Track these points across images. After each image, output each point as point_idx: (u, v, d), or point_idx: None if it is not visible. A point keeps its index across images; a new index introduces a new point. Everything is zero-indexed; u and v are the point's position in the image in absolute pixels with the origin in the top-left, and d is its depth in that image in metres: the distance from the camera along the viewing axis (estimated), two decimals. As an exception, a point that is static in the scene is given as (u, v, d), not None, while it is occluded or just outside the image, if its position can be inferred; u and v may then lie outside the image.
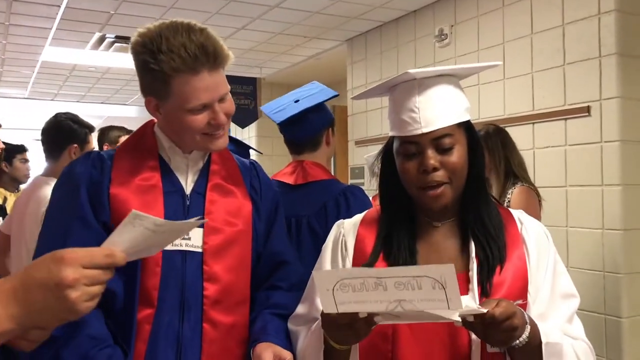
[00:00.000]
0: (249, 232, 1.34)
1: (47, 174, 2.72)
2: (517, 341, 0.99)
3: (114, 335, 1.21)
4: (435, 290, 0.89)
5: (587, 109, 3.21)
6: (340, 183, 2.00)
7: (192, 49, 1.19)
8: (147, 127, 1.37)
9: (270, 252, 1.40)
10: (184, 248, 1.27)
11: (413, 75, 1.15)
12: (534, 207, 2.57)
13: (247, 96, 6.40)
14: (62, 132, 2.73)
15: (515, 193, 2.57)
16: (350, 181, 5.32)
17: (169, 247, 1.24)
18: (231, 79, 6.37)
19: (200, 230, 1.28)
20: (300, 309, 1.29)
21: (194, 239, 1.28)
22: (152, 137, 1.35)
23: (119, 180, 1.27)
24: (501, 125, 3.77)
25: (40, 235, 1.28)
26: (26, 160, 4.13)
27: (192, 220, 1.04)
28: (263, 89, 6.57)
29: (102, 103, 8.33)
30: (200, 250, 1.27)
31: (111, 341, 1.20)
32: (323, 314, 1.02)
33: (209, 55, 1.21)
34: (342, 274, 0.94)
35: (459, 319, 0.94)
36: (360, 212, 1.82)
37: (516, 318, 0.97)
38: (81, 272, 0.81)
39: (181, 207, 1.30)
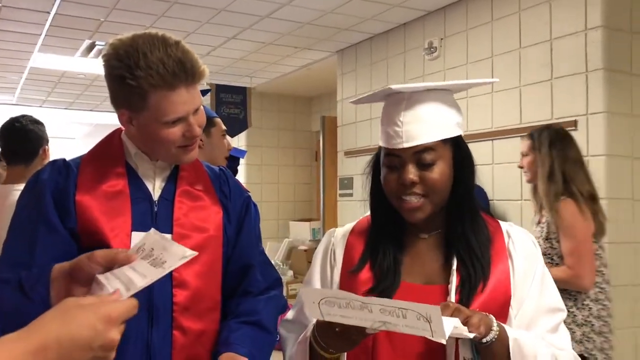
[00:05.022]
0: (220, 237, 1.34)
1: None
2: (491, 334, 1.00)
3: None
4: (420, 322, 0.89)
5: (574, 123, 3.24)
6: None
7: (171, 66, 1.20)
8: (115, 134, 1.37)
9: (237, 256, 1.40)
10: None
11: (400, 90, 1.15)
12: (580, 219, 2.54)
13: (237, 105, 6.38)
14: None
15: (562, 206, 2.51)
16: (339, 192, 5.31)
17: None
18: (221, 88, 6.30)
19: (169, 236, 1.27)
20: (291, 314, 1.31)
21: None
22: (119, 144, 1.35)
23: (85, 188, 1.26)
24: (488, 139, 3.82)
25: (6, 244, 1.25)
26: None
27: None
28: (253, 98, 6.56)
29: (91, 110, 8.27)
30: None
31: None
32: (318, 321, 1.03)
33: (186, 71, 1.22)
34: (327, 294, 0.95)
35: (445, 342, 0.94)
36: None
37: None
38: (122, 329, 0.77)
39: (149, 213, 1.29)
